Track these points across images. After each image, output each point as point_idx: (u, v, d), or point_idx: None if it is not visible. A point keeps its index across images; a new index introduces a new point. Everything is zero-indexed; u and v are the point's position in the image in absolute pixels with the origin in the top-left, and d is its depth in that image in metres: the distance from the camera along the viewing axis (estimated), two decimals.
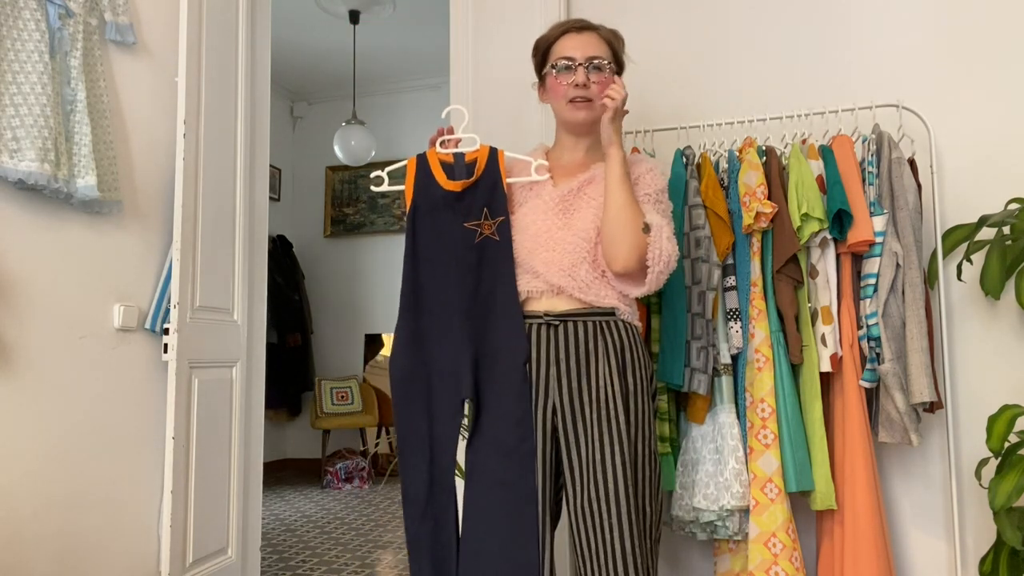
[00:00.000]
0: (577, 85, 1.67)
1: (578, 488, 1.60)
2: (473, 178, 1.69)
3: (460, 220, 1.68)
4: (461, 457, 1.76)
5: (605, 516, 1.56)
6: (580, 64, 1.67)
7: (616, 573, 1.53)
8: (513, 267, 1.66)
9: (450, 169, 1.72)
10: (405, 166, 1.77)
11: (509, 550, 1.57)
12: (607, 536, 1.55)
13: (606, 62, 1.68)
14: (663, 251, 1.59)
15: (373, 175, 1.92)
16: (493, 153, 1.71)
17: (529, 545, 1.57)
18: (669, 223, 1.67)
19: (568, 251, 1.65)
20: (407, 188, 1.74)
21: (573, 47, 1.69)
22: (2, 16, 1.87)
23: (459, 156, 1.72)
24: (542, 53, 1.77)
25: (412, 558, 1.69)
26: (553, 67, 1.71)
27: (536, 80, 1.81)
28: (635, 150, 2.33)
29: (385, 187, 1.84)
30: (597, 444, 1.59)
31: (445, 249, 1.69)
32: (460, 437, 1.68)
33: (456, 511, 1.69)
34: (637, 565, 1.54)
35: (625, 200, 1.60)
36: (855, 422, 2.03)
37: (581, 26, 1.72)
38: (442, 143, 1.74)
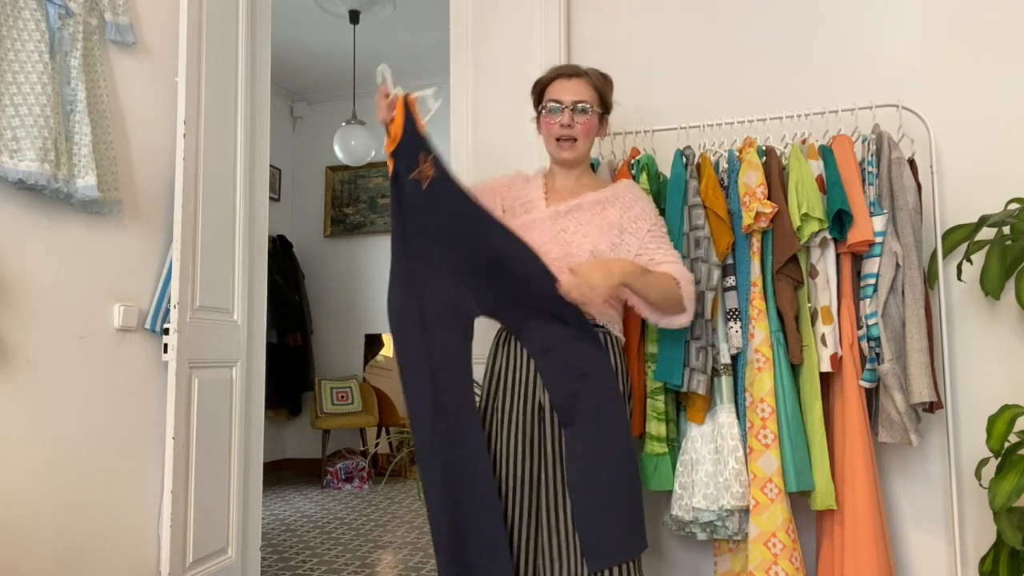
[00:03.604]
0: (563, 125, 1.88)
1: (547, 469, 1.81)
2: (396, 135, 1.75)
3: (407, 174, 1.77)
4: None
5: (561, 488, 1.77)
6: (566, 107, 1.88)
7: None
8: (463, 188, 1.76)
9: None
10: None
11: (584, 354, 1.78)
12: (563, 503, 1.77)
13: (590, 106, 1.89)
14: (691, 286, 1.84)
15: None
16: (405, 102, 1.75)
17: (601, 350, 1.80)
18: (671, 246, 1.91)
19: (559, 268, 1.77)
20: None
21: (561, 91, 1.90)
22: (2, 16, 1.87)
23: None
24: (538, 93, 1.97)
25: (423, 475, 1.76)
26: (543, 108, 1.92)
27: (534, 114, 2.00)
28: (635, 150, 2.33)
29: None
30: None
31: (410, 203, 1.78)
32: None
33: (473, 423, 1.78)
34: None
35: (659, 289, 1.78)
36: (855, 422, 2.02)
37: (571, 72, 1.92)
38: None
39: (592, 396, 1.75)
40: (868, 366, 2.04)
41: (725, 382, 2.10)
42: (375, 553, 3.37)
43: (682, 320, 1.85)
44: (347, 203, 5.98)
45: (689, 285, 1.82)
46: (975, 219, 2.15)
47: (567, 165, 1.96)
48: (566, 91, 1.89)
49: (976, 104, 2.30)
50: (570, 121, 1.88)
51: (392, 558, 3.29)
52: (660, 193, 2.22)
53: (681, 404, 2.19)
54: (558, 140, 1.90)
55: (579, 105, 1.88)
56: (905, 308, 2.03)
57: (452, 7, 2.74)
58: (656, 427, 2.14)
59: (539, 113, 1.97)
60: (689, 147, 2.24)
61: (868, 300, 2.04)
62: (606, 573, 1.69)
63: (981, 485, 2.00)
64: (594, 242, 1.83)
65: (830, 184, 2.07)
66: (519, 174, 2.05)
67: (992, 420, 1.86)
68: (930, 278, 2.16)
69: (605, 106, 1.96)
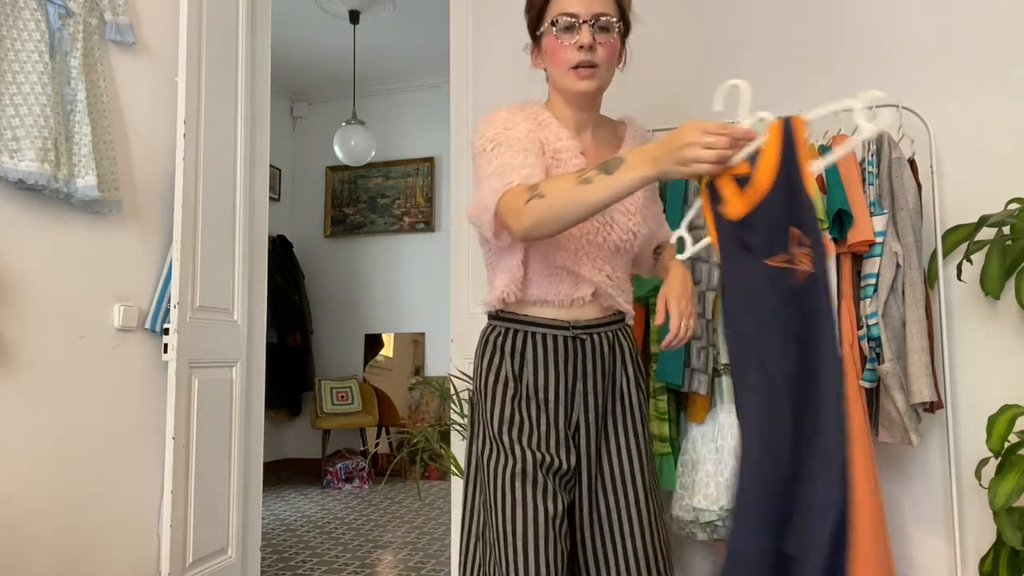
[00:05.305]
0: (581, 47, 1.40)
1: (600, 497, 1.48)
2: (763, 187, 1.11)
3: (760, 258, 1.15)
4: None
5: (627, 523, 1.46)
6: (585, 22, 1.39)
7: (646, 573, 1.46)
8: (835, 320, 1.12)
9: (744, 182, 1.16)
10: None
11: None
12: (631, 542, 1.45)
13: (614, 20, 1.43)
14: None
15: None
16: (787, 131, 1.11)
17: None
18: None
19: (612, 251, 1.47)
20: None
21: (576, 2, 1.41)
22: (2, 16, 1.87)
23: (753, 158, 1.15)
24: (538, 9, 1.46)
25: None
26: (553, 25, 1.41)
27: (529, 43, 1.51)
28: None
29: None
30: (621, 455, 1.49)
31: (750, 312, 1.18)
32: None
33: None
34: (661, 565, 1.49)
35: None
36: (855, 422, 2.02)
37: None
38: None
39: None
40: (868, 366, 2.04)
41: (726, 382, 2.10)
42: (375, 553, 3.37)
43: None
44: (347, 203, 5.98)
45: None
46: (975, 219, 2.15)
47: (584, 104, 1.47)
48: (582, 2, 1.40)
49: (976, 104, 2.30)
50: (591, 40, 1.39)
51: (392, 558, 3.29)
52: (660, 193, 2.22)
53: (681, 404, 2.19)
54: (575, 68, 1.41)
55: (601, 19, 1.40)
56: (905, 308, 2.03)
57: (452, 7, 2.74)
58: (657, 427, 2.14)
59: (538, 37, 1.47)
60: None
61: (868, 300, 2.04)
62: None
63: (981, 485, 2.00)
64: (636, 222, 1.47)
65: (830, 184, 2.07)
66: (517, 108, 1.48)
67: (992, 420, 1.86)
68: (930, 278, 2.16)
69: (627, 24, 1.51)
